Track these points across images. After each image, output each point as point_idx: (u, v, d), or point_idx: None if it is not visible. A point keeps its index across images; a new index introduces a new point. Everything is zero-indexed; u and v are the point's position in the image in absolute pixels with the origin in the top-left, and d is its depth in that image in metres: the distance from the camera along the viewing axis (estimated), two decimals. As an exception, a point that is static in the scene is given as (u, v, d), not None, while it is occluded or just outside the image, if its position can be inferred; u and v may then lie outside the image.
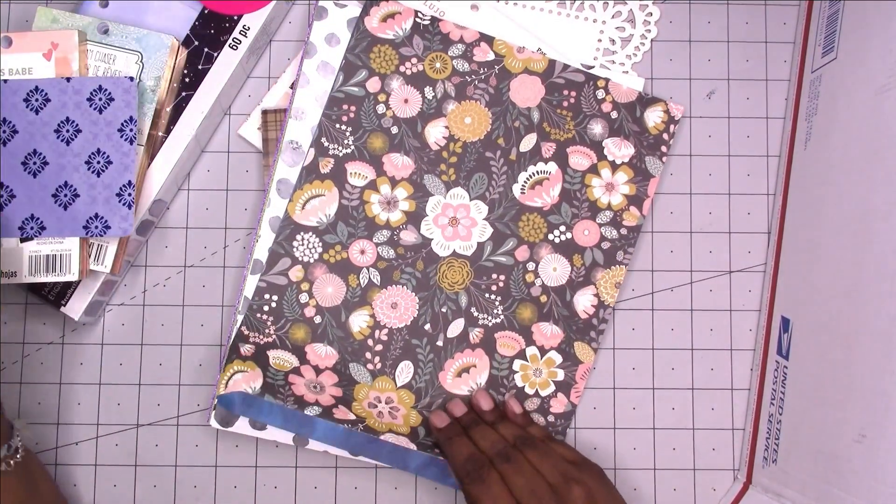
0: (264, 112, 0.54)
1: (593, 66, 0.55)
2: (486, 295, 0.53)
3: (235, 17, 0.53)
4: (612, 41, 0.56)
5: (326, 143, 0.52)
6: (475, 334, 0.52)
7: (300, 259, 0.52)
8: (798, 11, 0.57)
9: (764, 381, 0.53)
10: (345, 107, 0.53)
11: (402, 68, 0.53)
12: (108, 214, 0.50)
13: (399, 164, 0.53)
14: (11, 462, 0.45)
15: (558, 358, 0.53)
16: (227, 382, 0.49)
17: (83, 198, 0.49)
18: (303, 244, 0.52)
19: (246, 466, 0.53)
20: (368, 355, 0.52)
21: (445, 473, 0.51)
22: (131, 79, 0.50)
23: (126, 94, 0.50)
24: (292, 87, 0.54)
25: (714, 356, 0.55)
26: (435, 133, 0.53)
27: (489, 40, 0.54)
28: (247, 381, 0.50)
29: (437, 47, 0.53)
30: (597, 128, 0.54)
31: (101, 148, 0.50)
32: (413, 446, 0.50)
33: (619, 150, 0.54)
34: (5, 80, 0.50)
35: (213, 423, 0.51)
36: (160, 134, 0.52)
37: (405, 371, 0.52)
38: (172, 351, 0.54)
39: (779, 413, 0.51)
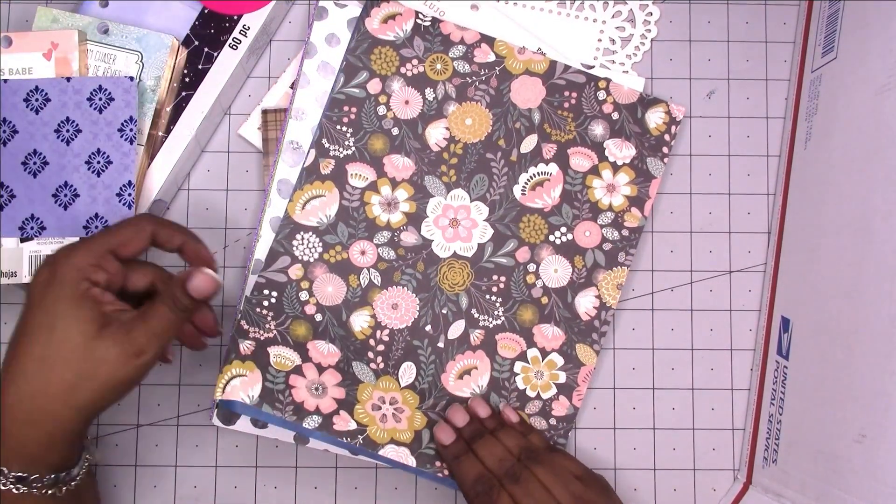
0: (264, 112, 0.54)
1: (593, 66, 0.55)
2: (487, 296, 0.53)
3: (235, 17, 0.53)
4: (612, 41, 0.56)
5: (327, 145, 0.52)
6: (476, 336, 0.52)
7: (300, 258, 0.52)
8: (798, 11, 0.57)
9: (764, 381, 0.53)
10: (345, 108, 0.53)
11: (402, 70, 0.53)
12: (109, 214, 0.50)
13: (400, 165, 0.53)
14: (72, 484, 0.43)
15: (560, 360, 0.52)
16: (224, 387, 0.49)
17: (83, 198, 0.49)
18: (303, 243, 0.52)
19: (246, 466, 0.53)
20: (371, 354, 0.51)
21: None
22: (131, 79, 0.50)
23: (126, 94, 0.50)
24: (292, 87, 0.54)
25: (714, 356, 0.55)
26: (435, 134, 0.53)
27: (490, 41, 0.54)
28: (245, 387, 0.49)
29: (437, 48, 0.53)
30: (598, 129, 0.54)
31: (101, 148, 0.50)
32: (413, 461, 0.50)
33: (621, 151, 0.54)
34: (5, 80, 0.50)
35: (216, 421, 0.51)
36: (160, 134, 0.52)
37: (408, 372, 0.52)
38: (172, 351, 0.54)
39: (779, 413, 0.51)
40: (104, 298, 0.42)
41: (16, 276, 0.49)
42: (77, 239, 0.49)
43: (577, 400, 0.52)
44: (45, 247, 0.49)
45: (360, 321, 0.52)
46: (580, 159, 0.53)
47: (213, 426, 0.53)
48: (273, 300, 0.51)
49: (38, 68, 0.50)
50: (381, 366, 0.51)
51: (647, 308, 0.55)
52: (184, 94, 0.52)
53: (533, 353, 0.52)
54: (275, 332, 0.51)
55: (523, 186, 0.53)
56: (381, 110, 0.53)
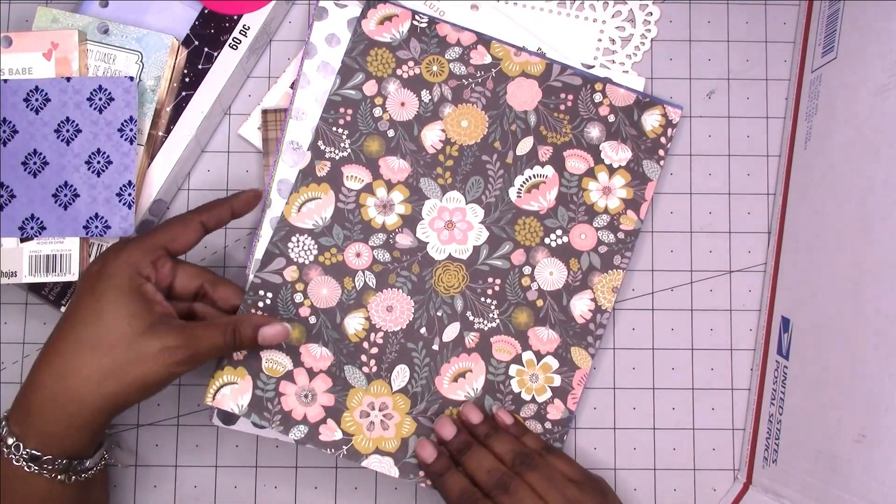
0: (264, 112, 0.54)
1: (593, 66, 0.55)
2: (482, 299, 0.52)
3: (235, 17, 0.53)
4: (612, 41, 0.56)
5: (323, 147, 0.52)
6: (471, 338, 0.52)
7: (295, 260, 0.51)
8: (798, 11, 0.57)
9: (764, 381, 0.53)
10: (341, 110, 0.53)
11: (398, 71, 0.53)
12: (109, 214, 0.50)
13: (395, 167, 0.53)
14: (83, 476, 0.44)
15: (555, 363, 0.52)
16: (214, 395, 0.49)
17: (83, 198, 0.49)
18: (298, 245, 0.52)
19: (246, 466, 0.53)
20: (364, 358, 0.51)
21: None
22: (131, 79, 0.50)
23: (126, 94, 0.50)
24: (292, 87, 0.54)
25: (714, 356, 0.55)
26: (431, 136, 0.53)
27: (486, 43, 0.54)
28: (234, 396, 0.49)
29: (434, 50, 0.53)
30: (594, 131, 0.54)
31: (101, 148, 0.50)
32: (396, 472, 0.49)
33: (617, 153, 0.54)
34: (5, 80, 0.50)
35: (216, 421, 0.51)
36: (160, 134, 0.52)
37: (401, 375, 0.51)
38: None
39: (779, 413, 0.51)
40: (156, 298, 0.43)
41: (16, 276, 0.49)
42: (76, 238, 0.49)
43: (571, 403, 0.52)
44: (45, 247, 0.49)
45: (354, 323, 0.51)
46: (576, 162, 0.53)
47: (213, 426, 0.53)
48: (268, 301, 0.51)
49: (38, 68, 0.50)
50: (374, 369, 0.51)
51: (647, 308, 0.55)
52: (184, 94, 0.52)
53: (528, 355, 0.52)
54: None
55: (519, 189, 0.53)
56: (377, 112, 0.53)
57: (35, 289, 0.51)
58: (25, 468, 0.41)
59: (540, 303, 0.53)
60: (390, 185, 0.53)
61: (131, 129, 0.50)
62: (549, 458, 0.48)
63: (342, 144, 0.52)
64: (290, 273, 0.51)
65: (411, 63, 0.53)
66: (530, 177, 0.53)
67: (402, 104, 0.53)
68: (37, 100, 0.50)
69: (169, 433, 0.53)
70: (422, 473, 0.49)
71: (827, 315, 0.48)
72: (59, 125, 0.50)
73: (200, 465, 0.53)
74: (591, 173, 0.53)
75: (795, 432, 0.49)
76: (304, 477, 0.53)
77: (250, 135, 0.55)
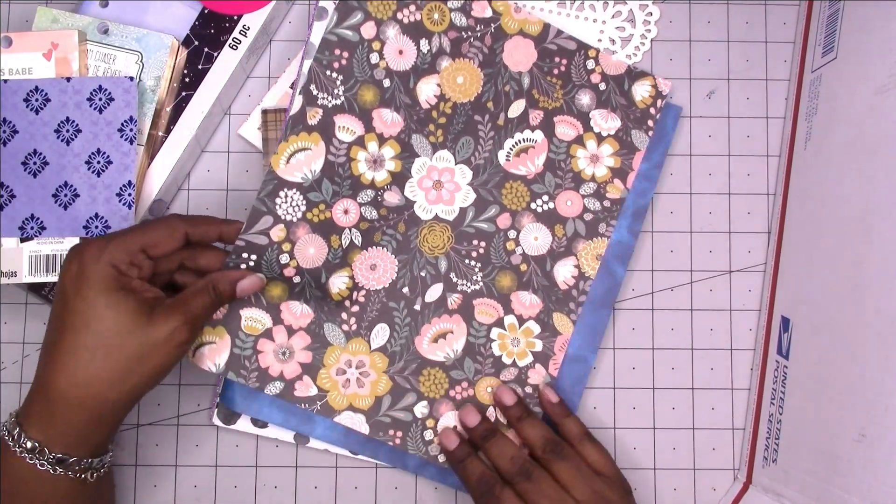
0: (264, 112, 0.54)
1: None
2: (466, 261, 0.52)
3: (235, 17, 0.53)
4: (612, 41, 0.56)
5: (315, 91, 0.51)
6: (453, 300, 0.52)
7: (283, 218, 0.50)
8: (798, 11, 0.57)
9: (764, 381, 0.53)
10: (337, 52, 0.51)
11: (399, 15, 0.52)
12: (109, 214, 0.50)
13: (388, 120, 0.52)
14: (101, 472, 0.45)
15: (536, 328, 0.52)
16: (192, 354, 0.49)
17: (83, 198, 0.49)
18: (286, 202, 0.50)
19: (246, 466, 0.53)
20: (344, 315, 0.51)
21: (445, 472, 0.51)
22: (131, 79, 0.50)
23: (126, 94, 0.50)
24: (292, 87, 0.54)
25: (714, 356, 0.55)
26: (427, 90, 0.53)
27: None
28: (212, 355, 0.48)
29: None
30: (584, 98, 0.54)
31: (101, 148, 0.50)
32: (367, 429, 0.50)
33: (606, 122, 0.54)
34: (5, 80, 0.50)
35: (216, 421, 0.51)
36: (160, 134, 0.52)
37: (381, 334, 0.51)
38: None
39: (779, 413, 0.51)
40: (143, 287, 0.44)
41: (16, 276, 0.49)
42: (76, 238, 0.49)
43: (553, 369, 0.52)
44: (45, 247, 0.49)
45: (338, 283, 0.51)
46: (565, 128, 0.53)
47: (213, 426, 0.53)
48: (252, 263, 0.49)
49: (38, 68, 0.50)
50: (354, 327, 0.51)
51: (646, 308, 0.55)
52: (184, 94, 0.52)
53: (510, 319, 0.52)
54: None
55: (508, 152, 0.53)
56: (374, 58, 0.51)
57: (35, 289, 0.51)
58: (51, 472, 0.42)
59: (524, 267, 0.53)
60: (382, 140, 0.52)
61: (131, 129, 0.50)
62: (583, 446, 0.48)
63: (335, 91, 0.51)
64: (277, 233, 0.50)
65: (413, 7, 0.52)
66: (520, 140, 0.53)
67: (401, 52, 0.52)
68: (37, 100, 0.50)
69: (169, 433, 0.53)
70: (391, 432, 0.50)
71: (827, 315, 0.48)
72: (59, 125, 0.50)
73: (200, 465, 0.53)
74: (579, 140, 0.54)
75: (795, 432, 0.49)
76: (304, 477, 0.53)
77: (250, 135, 0.55)
